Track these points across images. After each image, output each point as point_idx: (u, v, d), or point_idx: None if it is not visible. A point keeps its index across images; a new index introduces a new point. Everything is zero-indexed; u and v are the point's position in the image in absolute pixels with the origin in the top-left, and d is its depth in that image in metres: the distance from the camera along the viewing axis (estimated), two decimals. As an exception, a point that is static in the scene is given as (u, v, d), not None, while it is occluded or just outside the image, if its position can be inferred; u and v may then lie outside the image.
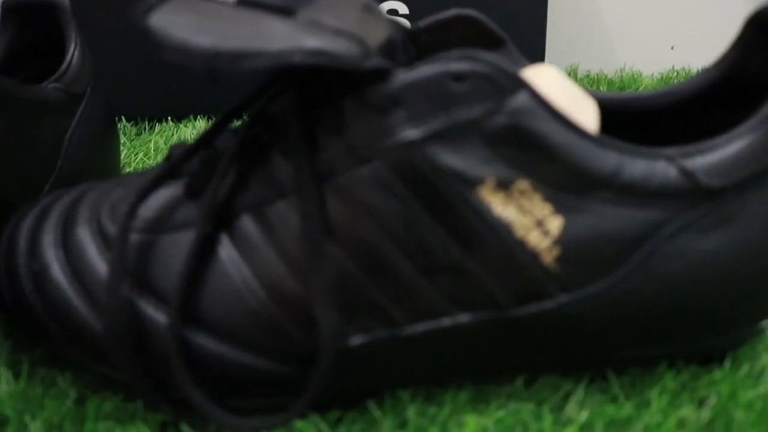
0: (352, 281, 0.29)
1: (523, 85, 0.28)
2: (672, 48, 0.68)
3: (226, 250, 0.31)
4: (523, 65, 0.35)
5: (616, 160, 0.29)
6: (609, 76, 0.68)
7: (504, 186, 0.28)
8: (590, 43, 0.71)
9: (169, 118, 0.66)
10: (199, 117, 0.67)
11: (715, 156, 0.30)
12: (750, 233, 0.31)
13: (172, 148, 0.35)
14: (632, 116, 0.36)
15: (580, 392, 0.33)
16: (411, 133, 0.28)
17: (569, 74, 0.72)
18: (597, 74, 0.70)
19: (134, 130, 0.65)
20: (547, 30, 0.70)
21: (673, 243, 0.30)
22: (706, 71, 0.35)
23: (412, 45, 0.34)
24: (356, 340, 0.30)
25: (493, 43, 0.35)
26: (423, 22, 0.34)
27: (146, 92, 0.65)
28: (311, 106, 0.30)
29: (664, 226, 0.29)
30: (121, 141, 0.61)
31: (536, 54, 0.55)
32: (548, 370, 0.34)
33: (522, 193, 0.28)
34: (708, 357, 0.34)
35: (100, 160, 0.46)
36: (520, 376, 0.33)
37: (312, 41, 0.27)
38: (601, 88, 0.68)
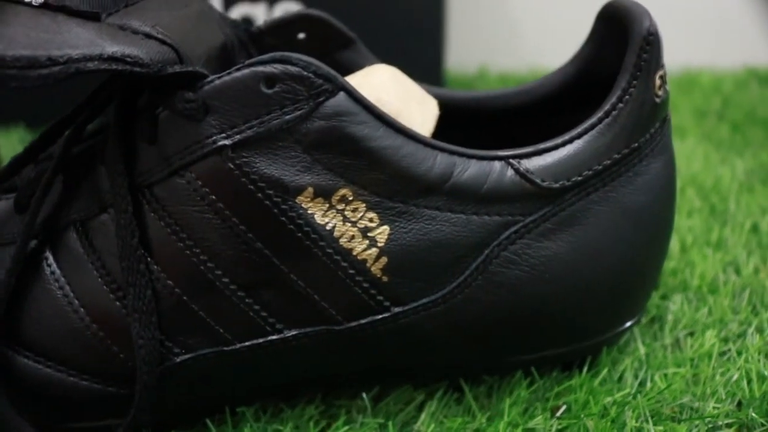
0: (172, 298, 0.28)
1: (340, 87, 0.26)
2: (584, 43, 0.67)
3: (50, 266, 0.29)
4: (372, 64, 0.34)
5: (446, 164, 0.27)
6: (520, 74, 0.67)
7: (325, 194, 0.27)
8: (501, 40, 0.70)
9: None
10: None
11: (553, 156, 0.29)
12: (596, 234, 0.30)
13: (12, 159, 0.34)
14: (489, 116, 0.35)
15: (433, 404, 0.31)
16: (223, 142, 0.26)
17: (480, 73, 0.70)
18: (508, 73, 0.69)
19: (31, 138, 0.62)
20: (455, 29, 0.69)
21: (512, 248, 0.28)
22: (561, 68, 0.34)
23: (255, 48, 0.33)
24: (180, 358, 0.28)
25: (342, 42, 0.34)
26: (265, 24, 0.33)
27: (46, 99, 0.63)
28: (133, 116, 0.29)
29: (501, 230, 0.28)
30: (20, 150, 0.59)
31: (435, 54, 0.54)
32: (402, 381, 0.32)
33: (345, 201, 0.27)
34: (569, 363, 0.33)
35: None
36: (373, 389, 0.32)
37: (112, 47, 0.25)
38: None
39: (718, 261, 0.40)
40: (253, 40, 0.33)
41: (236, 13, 0.53)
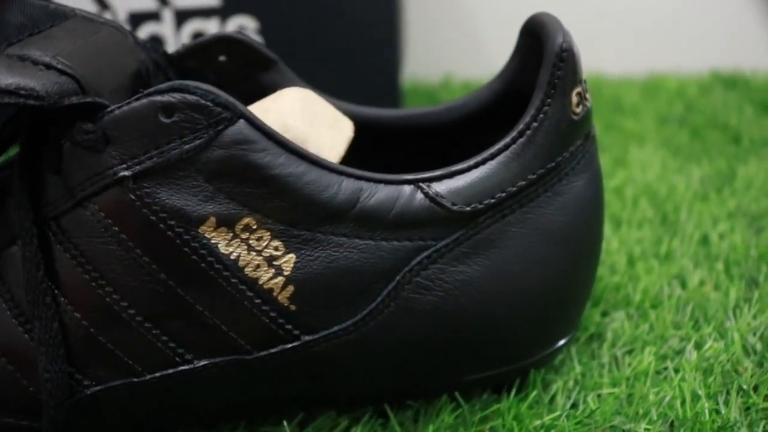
0: (79, 331, 0.27)
1: (240, 115, 0.26)
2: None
3: (-38, 300, 0.29)
4: (295, 85, 0.34)
5: (353, 189, 0.27)
6: (485, 82, 0.66)
7: (228, 224, 0.26)
8: (464, 48, 0.70)
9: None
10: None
11: (465, 178, 0.28)
12: (514, 257, 0.29)
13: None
14: (418, 134, 0.35)
15: (358, 430, 0.31)
16: (123, 172, 0.26)
17: (444, 81, 0.70)
18: (473, 80, 0.68)
19: None
20: (417, 37, 0.68)
21: (424, 273, 0.28)
22: (488, 84, 0.34)
23: (174, 72, 0.33)
24: (91, 390, 0.28)
25: (263, 63, 0.33)
26: (184, 47, 0.33)
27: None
28: (39, 147, 0.28)
29: (412, 255, 0.28)
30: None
31: (390, 64, 0.54)
32: (326, 407, 0.32)
33: (249, 230, 0.26)
34: (499, 386, 0.33)
35: None
36: (297, 415, 0.32)
37: (6, 79, 0.25)
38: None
39: (664, 274, 0.40)
40: (171, 63, 0.33)
41: (189, 28, 0.52)
